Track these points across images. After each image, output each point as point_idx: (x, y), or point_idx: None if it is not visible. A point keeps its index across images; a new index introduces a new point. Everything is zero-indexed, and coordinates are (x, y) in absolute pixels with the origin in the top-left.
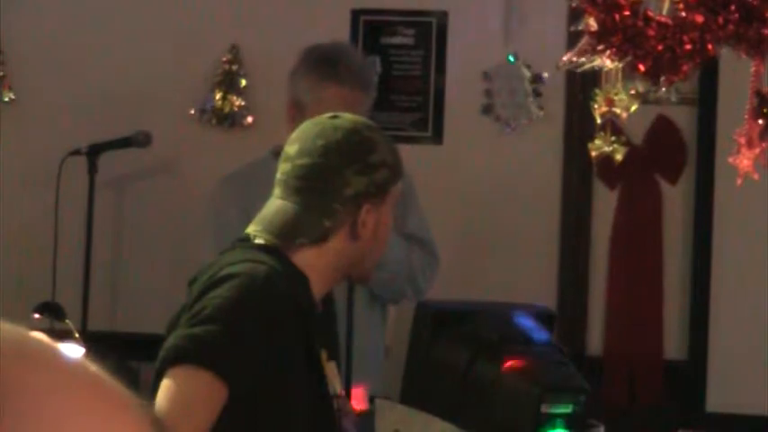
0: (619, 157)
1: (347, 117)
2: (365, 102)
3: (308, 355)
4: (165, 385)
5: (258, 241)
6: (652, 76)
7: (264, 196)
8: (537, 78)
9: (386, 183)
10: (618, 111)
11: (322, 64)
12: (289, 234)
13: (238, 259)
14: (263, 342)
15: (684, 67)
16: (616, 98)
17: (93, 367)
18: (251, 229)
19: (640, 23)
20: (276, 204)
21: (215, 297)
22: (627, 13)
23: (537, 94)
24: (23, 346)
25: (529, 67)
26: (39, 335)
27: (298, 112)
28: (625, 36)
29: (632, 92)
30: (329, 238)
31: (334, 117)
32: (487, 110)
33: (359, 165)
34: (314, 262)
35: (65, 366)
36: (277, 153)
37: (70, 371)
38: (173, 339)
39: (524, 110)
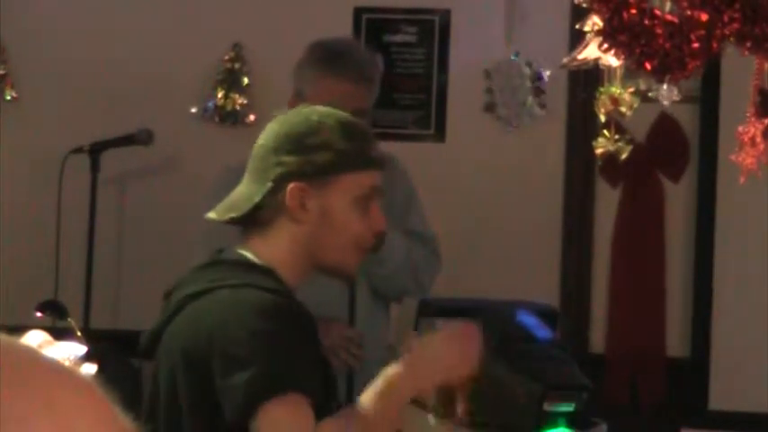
0: (623, 155)
1: (319, 108)
2: (366, 96)
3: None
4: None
5: (236, 256)
6: (658, 74)
7: None
8: (539, 76)
9: (327, 166)
10: (623, 109)
11: (326, 56)
12: (224, 211)
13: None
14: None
15: (690, 65)
16: (620, 96)
17: (80, 370)
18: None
19: (647, 21)
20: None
21: (242, 341)
22: (633, 11)
23: (539, 92)
24: (9, 351)
25: (531, 65)
26: (31, 335)
27: (298, 102)
28: (632, 34)
29: (631, 90)
30: (266, 220)
31: (310, 108)
32: (490, 108)
33: (293, 145)
34: (273, 252)
35: (48, 370)
36: None
37: (54, 375)
38: (242, 385)
39: (527, 108)
